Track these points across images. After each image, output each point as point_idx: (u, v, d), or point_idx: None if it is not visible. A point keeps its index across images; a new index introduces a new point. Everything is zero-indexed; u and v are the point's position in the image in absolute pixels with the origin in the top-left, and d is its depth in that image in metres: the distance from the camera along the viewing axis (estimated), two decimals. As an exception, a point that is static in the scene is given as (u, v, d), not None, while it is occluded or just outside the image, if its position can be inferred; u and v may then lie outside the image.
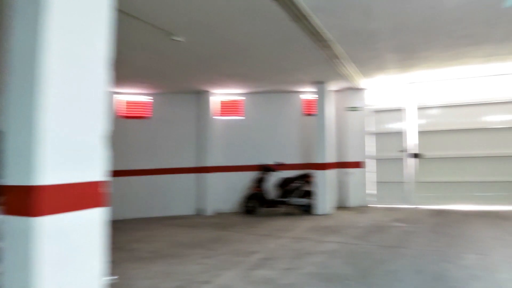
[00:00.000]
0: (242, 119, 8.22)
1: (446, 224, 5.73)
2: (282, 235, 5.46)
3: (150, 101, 7.90)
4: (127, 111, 7.73)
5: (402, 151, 7.59)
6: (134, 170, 7.58)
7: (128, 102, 7.75)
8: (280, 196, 7.31)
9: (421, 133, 7.52)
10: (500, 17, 4.12)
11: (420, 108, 7.55)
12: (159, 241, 5.43)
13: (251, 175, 7.72)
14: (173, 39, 4.43)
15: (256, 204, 7.43)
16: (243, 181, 7.84)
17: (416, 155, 7.47)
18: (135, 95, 7.82)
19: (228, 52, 5.25)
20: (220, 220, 7.01)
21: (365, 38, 4.78)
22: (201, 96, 7.96)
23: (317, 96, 7.35)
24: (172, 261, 4.27)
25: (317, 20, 4.04)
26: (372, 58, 5.68)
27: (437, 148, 7.38)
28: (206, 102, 7.93)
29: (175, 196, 7.84)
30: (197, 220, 7.18)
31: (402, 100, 7.70)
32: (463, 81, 7.21)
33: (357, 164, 7.87)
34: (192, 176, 7.91)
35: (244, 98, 8.21)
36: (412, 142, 7.54)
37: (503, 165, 6.92)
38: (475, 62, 6.07)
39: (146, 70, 6.12)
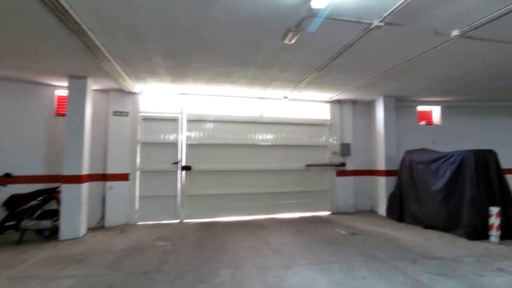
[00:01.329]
0: None
1: (208, 238, 5.75)
2: (-4, 276, 3.90)
3: None
4: None
5: (175, 163, 7.37)
6: None
7: None
8: (10, 218, 5.43)
9: (191, 145, 7.51)
10: (263, 42, 4.43)
11: (191, 121, 7.56)
12: None
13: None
14: None
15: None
16: None
17: (184, 168, 7.41)
18: None
19: None
20: None
21: (127, 33, 4.16)
22: None
23: (73, 93, 5.98)
24: None
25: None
26: (138, 58, 5.10)
27: (206, 162, 7.54)
28: None
29: None
30: None
31: (176, 111, 7.50)
32: (233, 100, 7.84)
33: (123, 177, 6.96)
34: None
35: None
36: (183, 154, 7.46)
37: (265, 178, 7.86)
38: (243, 83, 6.57)
39: None
